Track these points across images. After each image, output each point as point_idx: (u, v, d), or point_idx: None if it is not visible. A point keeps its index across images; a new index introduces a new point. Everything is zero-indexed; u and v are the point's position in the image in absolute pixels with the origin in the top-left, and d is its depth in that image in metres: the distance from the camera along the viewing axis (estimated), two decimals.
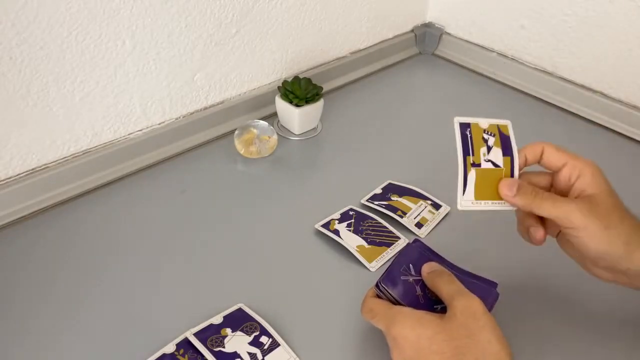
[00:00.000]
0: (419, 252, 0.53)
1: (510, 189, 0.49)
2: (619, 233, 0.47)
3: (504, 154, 0.51)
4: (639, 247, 0.47)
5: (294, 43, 0.89)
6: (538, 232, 0.51)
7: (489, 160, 0.51)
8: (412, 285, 0.50)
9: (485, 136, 0.51)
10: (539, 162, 0.51)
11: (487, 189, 0.51)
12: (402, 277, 0.50)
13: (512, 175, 0.51)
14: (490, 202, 0.51)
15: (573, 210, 0.47)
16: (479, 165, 0.50)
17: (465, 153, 0.50)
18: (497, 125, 0.52)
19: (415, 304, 0.49)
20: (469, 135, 0.51)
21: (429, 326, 0.44)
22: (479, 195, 0.51)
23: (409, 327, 0.45)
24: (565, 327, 0.57)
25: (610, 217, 0.47)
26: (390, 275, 0.50)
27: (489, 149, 0.51)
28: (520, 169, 0.51)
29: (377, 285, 0.51)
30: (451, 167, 0.82)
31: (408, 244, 0.56)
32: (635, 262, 0.47)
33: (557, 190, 0.51)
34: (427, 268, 0.50)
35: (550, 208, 0.48)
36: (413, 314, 0.46)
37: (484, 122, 0.51)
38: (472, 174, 0.50)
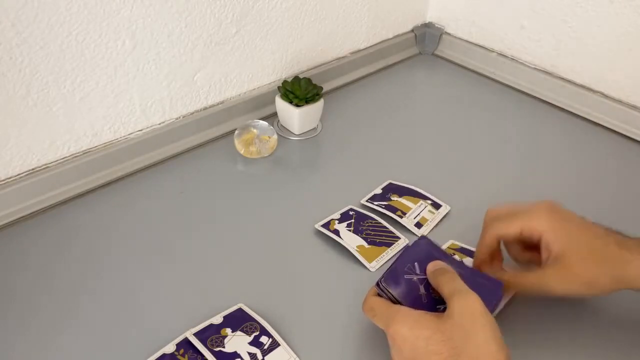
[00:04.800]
0: (426, 251, 0.52)
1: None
2: (579, 276, 0.50)
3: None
4: (599, 280, 0.50)
5: (294, 43, 0.89)
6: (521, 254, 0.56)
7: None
8: (415, 284, 0.50)
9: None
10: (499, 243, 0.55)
11: None
12: (406, 276, 0.50)
13: None
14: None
15: (533, 282, 0.52)
16: None
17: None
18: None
19: (417, 304, 0.48)
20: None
21: (426, 326, 0.44)
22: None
23: (407, 327, 0.45)
24: (568, 327, 0.56)
25: (574, 266, 0.50)
26: (392, 273, 0.50)
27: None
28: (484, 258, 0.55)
29: (377, 284, 0.50)
30: (451, 167, 0.82)
31: (415, 241, 0.54)
32: (606, 289, 0.50)
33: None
34: (432, 267, 0.50)
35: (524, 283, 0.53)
36: (411, 314, 0.46)
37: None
38: None
